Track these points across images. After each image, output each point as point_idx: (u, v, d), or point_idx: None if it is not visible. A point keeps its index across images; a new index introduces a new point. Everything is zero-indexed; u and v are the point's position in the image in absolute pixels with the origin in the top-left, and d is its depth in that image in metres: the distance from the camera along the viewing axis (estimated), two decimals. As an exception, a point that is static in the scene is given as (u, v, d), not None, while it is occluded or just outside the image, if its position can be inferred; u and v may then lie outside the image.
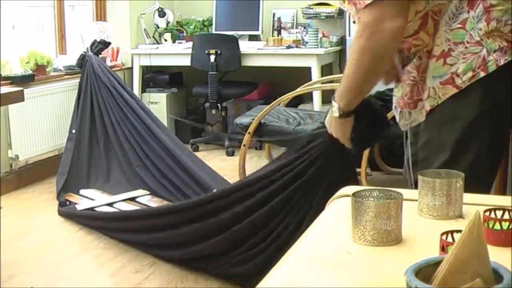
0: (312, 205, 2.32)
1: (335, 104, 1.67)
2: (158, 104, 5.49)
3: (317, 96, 4.86)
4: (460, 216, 1.20)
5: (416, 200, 1.22)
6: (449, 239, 0.98)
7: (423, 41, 1.62)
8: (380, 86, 1.89)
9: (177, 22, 5.92)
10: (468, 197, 1.23)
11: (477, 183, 1.54)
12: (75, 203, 3.79)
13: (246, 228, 2.59)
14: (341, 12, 5.28)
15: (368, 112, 1.76)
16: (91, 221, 3.53)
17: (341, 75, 1.95)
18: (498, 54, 1.56)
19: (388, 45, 1.56)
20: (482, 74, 1.56)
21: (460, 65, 1.58)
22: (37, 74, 4.40)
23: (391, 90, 1.82)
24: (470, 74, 1.57)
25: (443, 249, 0.96)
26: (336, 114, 1.68)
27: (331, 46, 5.16)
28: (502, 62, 1.56)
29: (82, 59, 4.40)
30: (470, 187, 1.25)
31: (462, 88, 1.58)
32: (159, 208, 3.38)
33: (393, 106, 1.80)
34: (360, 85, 1.64)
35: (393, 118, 1.84)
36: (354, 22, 1.68)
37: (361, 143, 1.82)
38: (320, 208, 2.25)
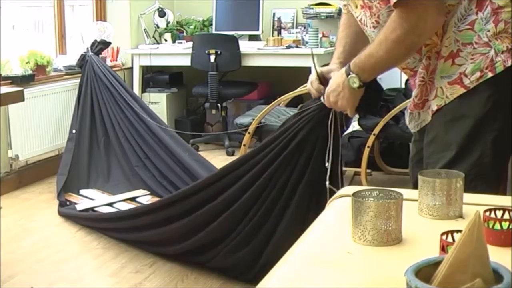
0: (298, 175, 2.34)
1: (355, 76, 1.71)
2: (158, 104, 5.49)
3: (317, 96, 4.85)
4: (460, 216, 1.20)
5: (416, 200, 1.22)
6: (449, 239, 0.98)
7: (432, 41, 1.64)
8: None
9: (177, 22, 5.92)
10: (468, 197, 1.23)
11: (482, 181, 1.56)
12: (75, 203, 3.79)
13: (238, 211, 2.61)
14: (341, 12, 5.27)
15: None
16: (91, 221, 3.53)
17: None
18: (506, 55, 1.57)
19: (425, 39, 1.62)
20: (490, 74, 1.58)
21: (468, 65, 1.60)
22: (37, 74, 4.40)
23: (392, 90, 1.84)
24: (478, 74, 1.59)
25: (443, 249, 0.96)
26: (356, 85, 1.72)
27: (331, 46, 5.14)
28: (509, 63, 1.57)
29: (82, 59, 4.40)
30: (475, 185, 1.26)
31: (470, 88, 1.60)
32: (153, 203, 3.35)
33: (406, 110, 1.83)
34: (388, 66, 1.71)
35: (393, 117, 1.85)
36: (373, 26, 1.69)
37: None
38: (304, 175, 2.29)
